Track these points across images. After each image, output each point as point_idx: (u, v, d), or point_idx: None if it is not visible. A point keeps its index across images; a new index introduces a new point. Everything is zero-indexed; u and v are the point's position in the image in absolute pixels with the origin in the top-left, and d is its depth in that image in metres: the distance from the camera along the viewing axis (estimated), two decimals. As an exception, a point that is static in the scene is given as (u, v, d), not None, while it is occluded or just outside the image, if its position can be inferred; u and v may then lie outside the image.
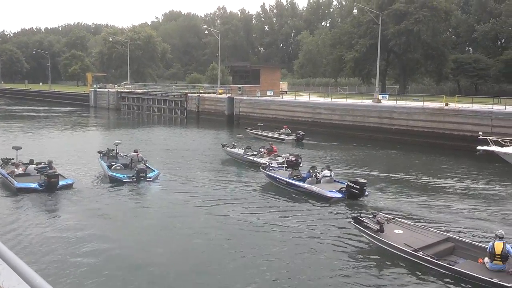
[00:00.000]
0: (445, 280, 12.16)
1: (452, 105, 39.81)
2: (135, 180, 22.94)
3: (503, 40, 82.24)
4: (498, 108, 37.48)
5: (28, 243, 14.76)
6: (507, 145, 29.04)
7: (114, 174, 23.88)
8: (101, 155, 26.77)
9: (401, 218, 16.08)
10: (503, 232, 12.64)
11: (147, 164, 24.79)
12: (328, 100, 51.21)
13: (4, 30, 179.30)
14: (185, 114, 66.03)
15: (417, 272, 12.62)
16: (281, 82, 70.12)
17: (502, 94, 54.19)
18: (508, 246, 12.21)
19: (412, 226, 15.10)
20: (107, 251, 14.26)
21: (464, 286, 11.93)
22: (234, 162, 29.80)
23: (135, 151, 26.37)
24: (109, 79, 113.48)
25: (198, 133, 35.46)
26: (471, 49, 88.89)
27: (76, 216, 17.87)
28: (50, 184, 21.08)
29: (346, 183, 20.31)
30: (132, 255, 14.01)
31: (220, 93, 65.84)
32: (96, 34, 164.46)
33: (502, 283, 11.45)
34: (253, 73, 63.21)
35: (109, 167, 24.83)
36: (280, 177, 22.43)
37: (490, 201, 21.03)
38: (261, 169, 24.03)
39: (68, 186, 21.86)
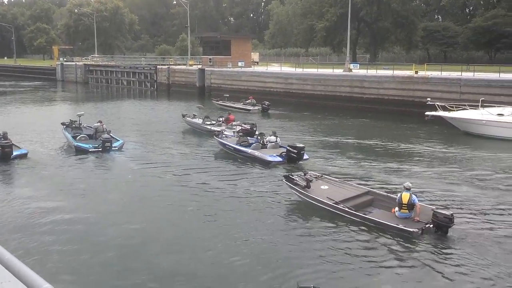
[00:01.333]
0: (361, 228, 13.54)
1: (421, 73, 40.11)
2: (101, 149, 23.56)
3: (471, 8, 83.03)
4: (467, 75, 37.92)
5: None
6: (453, 110, 30.32)
7: (79, 144, 24.39)
8: (65, 126, 27.36)
9: (330, 175, 17.70)
10: (410, 184, 14.12)
11: (111, 134, 25.17)
12: (299, 70, 51.07)
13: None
14: (155, 87, 65.12)
15: (337, 222, 14.01)
16: (252, 53, 69.59)
17: (470, 61, 54.89)
18: (413, 196, 13.72)
19: (338, 182, 16.66)
20: (73, 223, 14.31)
21: (377, 233, 13.23)
22: (194, 132, 30.70)
23: (99, 121, 26.85)
24: (76, 52, 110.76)
25: (167, 105, 35.58)
26: (440, 17, 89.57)
27: (39, 187, 18.12)
28: (4, 154, 21.75)
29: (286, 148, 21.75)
30: (100, 225, 14.18)
31: (191, 65, 65.05)
32: (61, 6, 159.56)
33: (406, 228, 13.02)
34: (223, 44, 62.47)
35: (74, 137, 25.31)
36: (229, 144, 23.74)
37: (428, 160, 22.90)
38: (214, 137, 25.17)
39: (22, 156, 22.50)
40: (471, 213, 14.89)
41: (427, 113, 30.80)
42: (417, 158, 23.31)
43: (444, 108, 30.51)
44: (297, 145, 21.20)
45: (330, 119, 37.27)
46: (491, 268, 11.17)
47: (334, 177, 17.42)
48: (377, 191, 15.77)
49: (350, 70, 46.72)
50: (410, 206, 13.64)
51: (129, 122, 36.16)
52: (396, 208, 13.94)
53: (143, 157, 23.21)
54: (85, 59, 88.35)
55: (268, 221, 14.32)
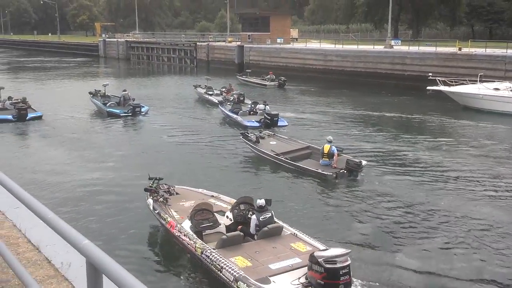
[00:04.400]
0: (293, 174, 16.89)
1: (465, 50, 39.11)
2: (130, 114, 27.34)
3: (520, -18, 79.63)
4: (513, 52, 36.79)
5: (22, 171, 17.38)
6: (453, 85, 31.27)
7: (111, 109, 28.09)
8: (92, 95, 30.84)
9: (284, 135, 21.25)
10: (331, 138, 17.22)
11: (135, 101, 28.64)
12: (339, 46, 50.47)
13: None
14: (195, 63, 65.60)
15: (277, 169, 17.55)
16: (291, 29, 68.98)
17: (517, 38, 53.04)
18: (333, 147, 16.73)
19: (285, 139, 20.13)
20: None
21: (304, 177, 16.52)
22: (201, 101, 34.89)
23: (125, 90, 30.58)
24: (118, 29, 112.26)
25: (204, 81, 37.41)
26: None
27: (85, 147, 21.56)
28: (20, 116, 26.00)
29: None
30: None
31: (230, 42, 65.09)
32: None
33: (323, 172, 16.17)
34: (262, 20, 62.13)
35: (104, 104, 28.82)
36: (224, 110, 27.58)
37: (421, 129, 25.66)
38: (219, 105, 28.73)
39: (37, 118, 26.75)
40: (399, 166, 18.05)
41: (428, 87, 31.86)
42: (414, 128, 26.31)
43: (445, 83, 31.20)
44: (272, 113, 24.67)
45: (349, 95, 38.27)
46: (386, 203, 14.18)
47: (284, 135, 21.28)
48: (315, 146, 18.50)
49: (391, 46, 45.94)
50: (330, 155, 16.65)
51: (159, 94, 39.74)
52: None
53: (163, 120, 27.67)
54: (127, 35, 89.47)
55: (224, 166, 18.40)
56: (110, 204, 14.13)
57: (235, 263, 9.18)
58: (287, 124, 25.25)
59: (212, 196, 12.94)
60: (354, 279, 8.99)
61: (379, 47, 46.60)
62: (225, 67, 58.37)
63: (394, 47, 45.94)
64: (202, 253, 9.76)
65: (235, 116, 26.13)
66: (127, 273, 2.16)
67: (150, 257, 11.14)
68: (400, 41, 49.16)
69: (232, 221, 10.84)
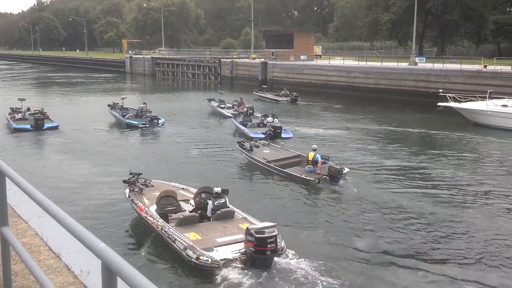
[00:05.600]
0: (282, 179, 18.31)
1: (491, 68, 38.71)
2: (148, 126, 28.83)
3: (547, -1, 78.73)
4: (539, 70, 36.31)
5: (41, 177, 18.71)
6: (463, 101, 31.57)
7: (130, 121, 29.67)
8: (110, 108, 32.63)
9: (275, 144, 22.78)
10: (316, 146, 18.65)
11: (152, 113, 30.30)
12: (363, 63, 50.42)
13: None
14: (219, 80, 66.19)
15: (268, 175, 18.94)
16: (315, 46, 69.19)
17: (544, 56, 52.24)
18: (317, 155, 18.00)
19: (278, 148, 21.79)
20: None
21: (292, 183, 17.81)
22: (214, 114, 36.50)
23: (144, 103, 32.36)
24: (144, 46, 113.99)
25: (228, 97, 38.33)
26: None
27: (84, 157, 22.79)
28: (37, 125, 27.93)
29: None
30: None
31: (254, 58, 65.57)
32: (130, 0, 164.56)
33: (306, 177, 17.55)
34: (286, 37, 62.45)
35: (123, 116, 30.43)
36: (235, 123, 29.21)
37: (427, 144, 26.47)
38: (232, 118, 30.45)
39: (54, 128, 28.53)
40: (384, 174, 19.36)
41: (439, 103, 32.24)
42: (424, 142, 27.10)
43: (455, 99, 31.37)
44: (276, 125, 26.12)
45: (364, 111, 38.52)
46: (362, 205, 15.55)
47: (277, 145, 22.73)
48: (304, 155, 19.39)
49: (416, 63, 45.70)
50: (315, 162, 17.94)
51: (178, 108, 41.44)
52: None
53: (179, 130, 29.66)
54: (153, 52, 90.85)
55: (222, 173, 19.75)
56: (109, 199, 16.00)
57: (187, 237, 11.24)
58: (292, 136, 26.63)
59: (183, 188, 15.06)
60: (288, 250, 11.20)
61: (403, 64, 46.41)
62: (249, 83, 58.60)
63: (418, 64, 45.69)
64: (161, 229, 11.79)
65: (243, 128, 27.71)
66: (142, 276, 2.23)
67: (125, 234, 13.43)
68: (424, 58, 48.86)
69: (194, 207, 13.07)
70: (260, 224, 11.06)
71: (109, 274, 2.36)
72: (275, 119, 27.31)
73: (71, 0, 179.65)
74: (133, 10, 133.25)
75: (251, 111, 31.42)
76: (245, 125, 27.89)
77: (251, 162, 20.44)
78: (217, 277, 10.25)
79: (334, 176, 17.15)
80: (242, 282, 10.06)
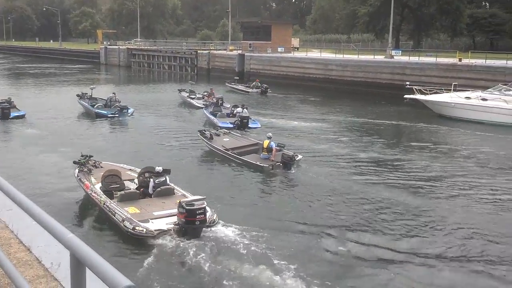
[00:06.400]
0: (239, 166, 19.07)
1: (465, 61, 39.22)
2: (117, 115, 29.21)
3: (521, -6, 79.94)
4: (513, 63, 36.90)
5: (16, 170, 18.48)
6: (428, 94, 32.32)
7: (99, 111, 30.04)
8: (79, 98, 32.88)
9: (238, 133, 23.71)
10: (270, 134, 19.71)
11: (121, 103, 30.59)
12: (340, 56, 50.61)
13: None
14: (195, 71, 65.72)
15: (226, 162, 19.71)
16: (292, 39, 69.19)
17: (518, 50, 53.12)
18: (272, 143, 18.88)
19: (238, 136, 22.55)
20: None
21: (247, 169, 18.67)
22: (185, 104, 37.05)
23: (113, 93, 32.87)
24: (120, 36, 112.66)
25: (203, 88, 39.40)
26: (487, 4, 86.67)
27: (48, 144, 23.01)
28: (3, 114, 27.87)
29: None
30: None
31: (231, 50, 65.27)
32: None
33: (260, 164, 18.45)
34: (264, 29, 62.26)
35: (92, 106, 30.71)
36: (205, 112, 30.07)
37: (382, 132, 27.34)
38: (203, 109, 31.15)
39: (20, 117, 28.50)
40: (342, 163, 20.01)
41: (405, 96, 32.94)
42: (381, 132, 27.64)
43: (421, 92, 32.24)
44: (243, 115, 26.84)
45: (334, 103, 39.39)
46: (312, 188, 16.48)
47: (238, 133, 23.49)
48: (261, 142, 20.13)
49: (392, 56, 46.03)
50: (269, 149, 18.81)
51: (151, 99, 41.59)
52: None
53: (148, 120, 30.13)
54: (128, 43, 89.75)
55: (183, 160, 20.76)
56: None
57: (126, 210, 12.44)
58: (259, 126, 27.39)
59: (130, 169, 16.12)
60: (221, 221, 12.49)
61: (380, 57, 46.71)
62: (226, 75, 58.29)
63: (394, 57, 46.04)
64: (104, 204, 12.95)
65: (213, 117, 28.41)
66: (110, 266, 2.16)
67: (74, 210, 14.57)
68: (400, 51, 49.26)
69: (138, 185, 14.31)
70: (190, 198, 12.40)
71: (78, 264, 2.29)
72: (245, 109, 27.81)
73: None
74: (108, 0, 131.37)
75: (221, 102, 32.11)
76: (215, 115, 28.55)
77: (211, 150, 21.26)
78: (152, 245, 11.41)
79: (287, 162, 18.11)
80: (174, 250, 11.27)
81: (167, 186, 13.83)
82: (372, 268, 10.94)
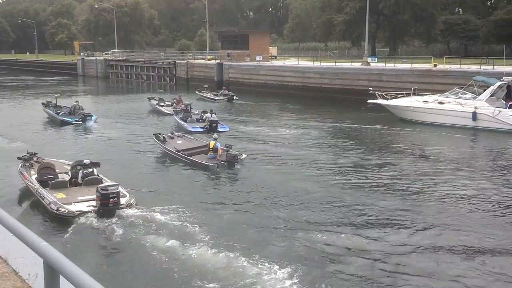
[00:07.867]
0: (189, 167, 20.24)
1: (440, 66, 39.84)
2: (81, 122, 30.50)
3: (492, 1, 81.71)
4: (486, 68, 37.60)
5: None
6: (390, 98, 33.24)
7: (64, 118, 31.37)
8: (44, 106, 34.33)
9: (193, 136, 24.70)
10: (216, 135, 21.44)
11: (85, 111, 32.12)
12: (317, 64, 51.01)
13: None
14: (174, 81, 65.60)
15: (175, 163, 21.03)
16: (270, 47, 69.52)
17: (491, 55, 54.22)
18: (218, 143, 20.36)
19: (191, 139, 23.73)
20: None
21: (195, 169, 19.89)
22: (154, 112, 38.20)
23: (76, 101, 34.28)
24: (97, 47, 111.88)
25: (172, 96, 41.83)
26: (460, 10, 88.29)
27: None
28: None
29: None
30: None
31: (209, 59, 65.32)
32: (82, 1, 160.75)
33: (206, 163, 19.81)
34: (241, 38, 62.39)
35: (57, 113, 32.06)
36: (176, 118, 31.29)
37: (350, 134, 28.47)
38: (174, 115, 32.30)
39: None
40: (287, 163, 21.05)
41: (369, 101, 33.99)
42: (345, 135, 28.54)
43: (383, 97, 33.13)
44: (212, 119, 27.93)
45: (307, 108, 40.63)
46: (254, 183, 17.85)
47: (191, 136, 24.62)
48: None
49: (368, 63, 46.57)
50: (215, 149, 20.24)
51: (121, 108, 42.54)
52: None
53: (112, 126, 31.33)
54: (106, 54, 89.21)
55: (136, 159, 22.20)
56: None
57: (54, 196, 14.57)
58: (228, 129, 28.81)
59: (68, 164, 18.15)
60: (143, 207, 14.47)
61: (357, 64, 47.21)
62: (205, 84, 58.33)
63: (371, 64, 46.57)
64: (36, 191, 15.22)
65: (183, 123, 29.65)
66: (84, 273, 2.19)
67: (15, 199, 16.81)
68: (376, 58, 49.84)
69: (70, 176, 16.48)
70: (105, 183, 14.74)
71: (51, 272, 2.31)
72: (213, 114, 28.91)
73: (20, 2, 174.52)
74: (84, 11, 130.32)
75: (189, 108, 33.20)
76: (185, 121, 29.82)
77: (164, 151, 22.60)
78: (74, 223, 13.56)
79: (231, 161, 19.70)
80: (93, 227, 13.39)
81: (95, 176, 15.92)
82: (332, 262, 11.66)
